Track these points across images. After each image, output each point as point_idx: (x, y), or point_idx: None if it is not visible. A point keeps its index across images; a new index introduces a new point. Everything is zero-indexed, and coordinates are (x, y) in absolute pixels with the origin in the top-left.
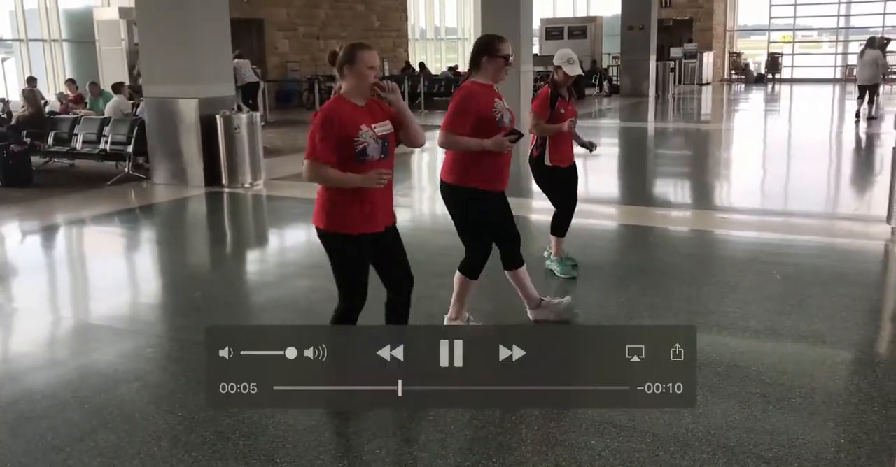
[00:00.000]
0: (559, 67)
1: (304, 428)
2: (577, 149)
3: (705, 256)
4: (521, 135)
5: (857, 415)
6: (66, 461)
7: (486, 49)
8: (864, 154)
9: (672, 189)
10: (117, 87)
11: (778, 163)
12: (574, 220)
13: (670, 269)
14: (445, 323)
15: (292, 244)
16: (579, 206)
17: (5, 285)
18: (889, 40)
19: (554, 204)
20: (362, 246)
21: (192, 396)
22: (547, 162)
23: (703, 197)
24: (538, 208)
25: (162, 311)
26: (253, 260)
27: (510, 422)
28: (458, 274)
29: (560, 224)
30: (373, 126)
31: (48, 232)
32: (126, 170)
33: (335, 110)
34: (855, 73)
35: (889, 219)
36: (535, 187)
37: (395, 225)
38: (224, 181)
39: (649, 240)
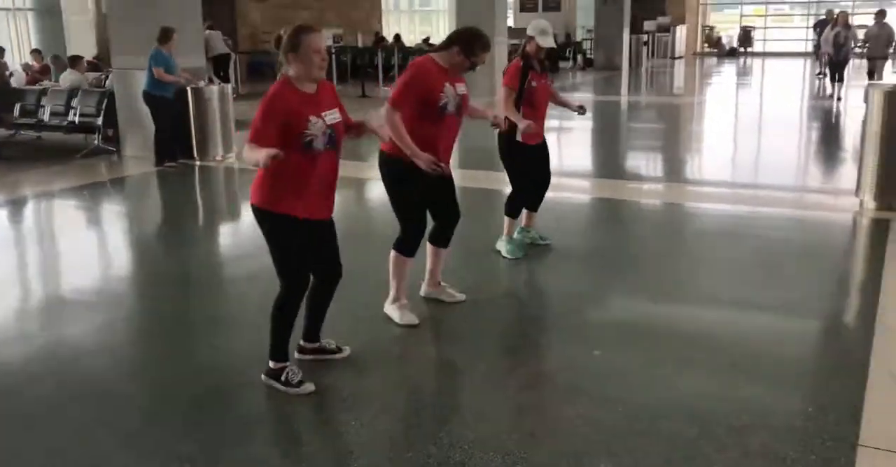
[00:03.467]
0: (532, 38)
1: (280, 399)
2: (552, 123)
3: (677, 229)
4: (446, 177)
5: (824, 384)
6: (37, 435)
7: (465, 44)
8: (835, 127)
9: (645, 162)
10: (74, 61)
11: (749, 137)
12: (548, 193)
13: (643, 242)
14: (385, 308)
15: None
16: (555, 179)
17: None
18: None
19: (513, 183)
20: (304, 230)
21: (163, 368)
22: (518, 138)
23: (675, 170)
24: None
25: (134, 284)
26: (225, 233)
27: (486, 391)
28: (392, 252)
29: (517, 205)
30: (323, 115)
31: (16, 206)
32: (95, 142)
33: (283, 96)
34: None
35: (857, 191)
36: None
37: (331, 222)
38: (195, 154)
39: (622, 212)
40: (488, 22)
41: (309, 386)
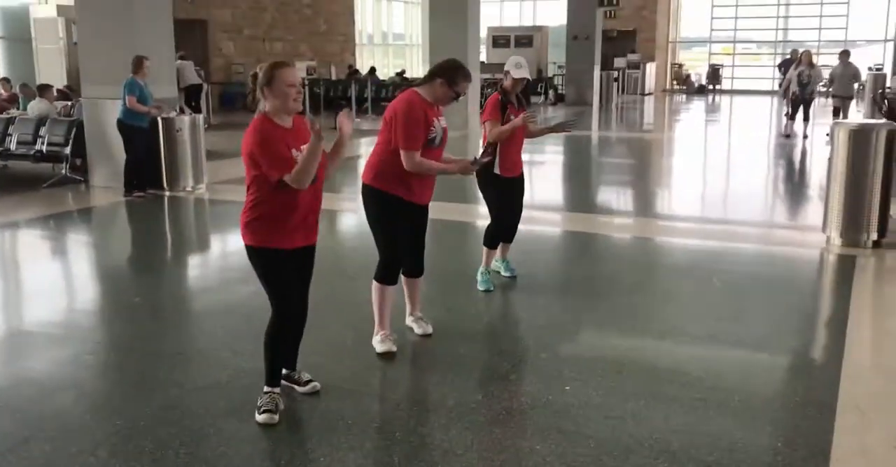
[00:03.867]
0: (507, 72)
1: (248, 436)
2: (523, 157)
3: (647, 263)
4: (488, 163)
5: (793, 420)
6: None
7: (447, 76)
8: (802, 165)
9: (615, 197)
10: (42, 90)
11: (717, 173)
12: (520, 226)
13: (613, 276)
14: (374, 342)
15: (234, 249)
16: (526, 212)
17: None
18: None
19: (492, 215)
20: (292, 258)
21: (131, 404)
22: (496, 171)
23: (645, 205)
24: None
25: (100, 317)
26: (194, 265)
27: (456, 429)
28: (373, 283)
29: (494, 236)
30: (302, 148)
31: None
32: (63, 172)
33: (270, 128)
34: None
35: (824, 228)
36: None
37: (314, 247)
38: (165, 184)
39: (592, 246)
40: (461, 57)
41: (270, 418)
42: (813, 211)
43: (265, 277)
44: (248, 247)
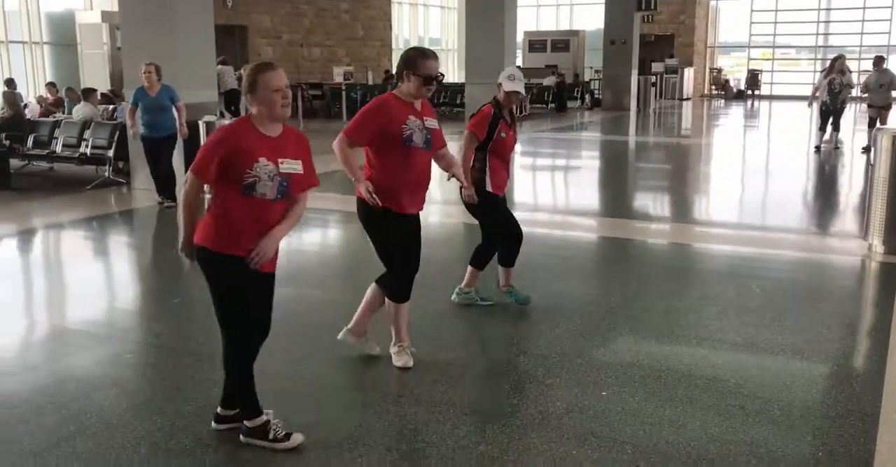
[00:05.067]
0: (499, 84)
1: None
2: (559, 162)
3: (685, 269)
4: (375, 204)
5: (834, 429)
6: (44, 466)
7: (406, 65)
8: (841, 171)
9: (652, 202)
10: (87, 94)
11: (756, 179)
12: (556, 232)
13: (650, 281)
14: (391, 351)
15: None
16: (562, 217)
17: None
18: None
19: (486, 234)
20: (246, 274)
21: (170, 403)
22: (488, 187)
23: (682, 210)
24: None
25: (141, 317)
26: None
27: (492, 432)
28: (387, 301)
29: (486, 256)
30: (278, 161)
31: (25, 236)
32: (106, 174)
33: (236, 133)
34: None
35: (865, 235)
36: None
37: (274, 274)
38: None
39: (629, 252)
40: (497, 61)
41: (297, 438)
42: (852, 218)
43: (215, 285)
44: (196, 247)
